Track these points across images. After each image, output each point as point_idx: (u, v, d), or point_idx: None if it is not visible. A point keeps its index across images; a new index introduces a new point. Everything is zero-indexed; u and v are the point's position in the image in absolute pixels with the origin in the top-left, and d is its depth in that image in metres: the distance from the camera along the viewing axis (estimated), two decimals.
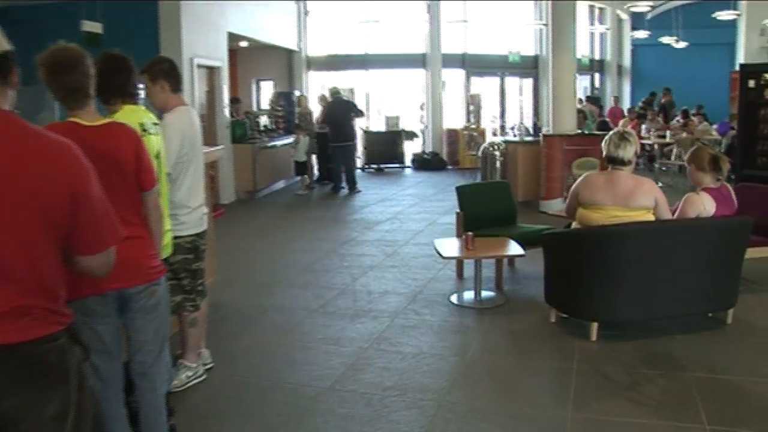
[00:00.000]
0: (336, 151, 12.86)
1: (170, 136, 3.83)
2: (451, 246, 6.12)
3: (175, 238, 3.86)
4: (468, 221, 6.55)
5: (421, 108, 17.02)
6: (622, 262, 4.66)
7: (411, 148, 16.68)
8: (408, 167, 16.45)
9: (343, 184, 12.88)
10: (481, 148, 10.99)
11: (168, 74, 4.12)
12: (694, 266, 4.78)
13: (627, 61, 21.81)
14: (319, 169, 14.14)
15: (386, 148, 16.10)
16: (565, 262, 5.03)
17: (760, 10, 18.95)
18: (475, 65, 17.29)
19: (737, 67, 20.36)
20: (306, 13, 16.47)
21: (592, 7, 19.83)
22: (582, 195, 4.93)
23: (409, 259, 7.56)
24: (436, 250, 5.98)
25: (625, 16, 21.29)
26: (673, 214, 5.00)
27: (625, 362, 4.54)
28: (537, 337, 5.12)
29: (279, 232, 9.53)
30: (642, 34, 19.59)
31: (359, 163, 15.29)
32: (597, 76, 21.20)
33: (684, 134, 13.22)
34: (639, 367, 4.46)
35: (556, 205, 10.16)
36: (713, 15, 17.10)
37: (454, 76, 17.22)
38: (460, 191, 6.85)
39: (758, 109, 8.99)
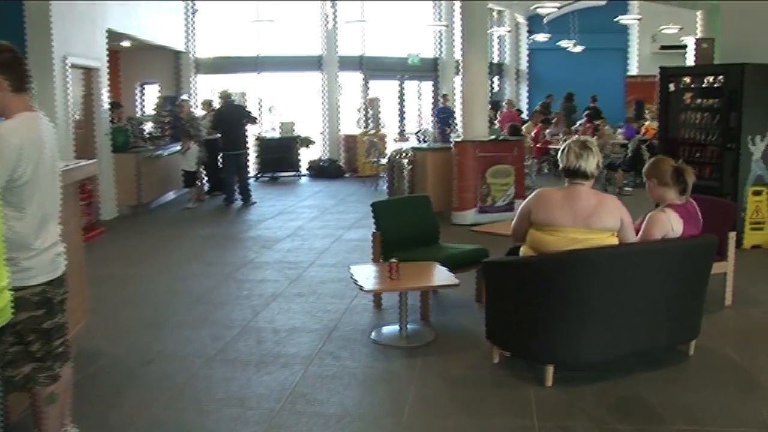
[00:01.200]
0: (227, 160, 11.76)
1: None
2: (370, 275, 5.23)
3: (17, 290, 2.80)
4: (387, 243, 5.71)
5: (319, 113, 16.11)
6: (585, 294, 3.93)
7: (307, 156, 15.72)
8: (304, 175, 15.47)
9: (236, 196, 11.79)
10: (388, 156, 10.22)
11: (7, 68, 3.04)
12: (663, 294, 4.12)
13: (524, 64, 21.70)
14: (210, 180, 12.95)
15: (281, 155, 15.06)
16: (514, 295, 4.27)
17: (653, 17, 19.25)
18: (373, 68, 16.53)
19: (630, 72, 20.88)
20: (194, 11, 15.20)
21: (490, 10, 19.52)
22: (535, 214, 4.16)
23: (317, 285, 6.64)
24: (354, 280, 5.09)
25: (522, 20, 21.18)
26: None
27: (593, 414, 3.80)
28: (481, 384, 4.31)
29: (165, 254, 8.35)
30: (542, 37, 19.47)
31: (252, 171, 14.20)
32: (496, 80, 20.94)
33: (594, 138, 12.91)
34: (609, 419, 3.74)
35: (469, 217, 9.54)
36: (615, 19, 17.02)
37: (352, 79, 16.40)
38: (377, 208, 5.98)
39: (678, 114, 8.65)
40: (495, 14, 19.72)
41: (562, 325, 3.99)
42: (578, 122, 16.88)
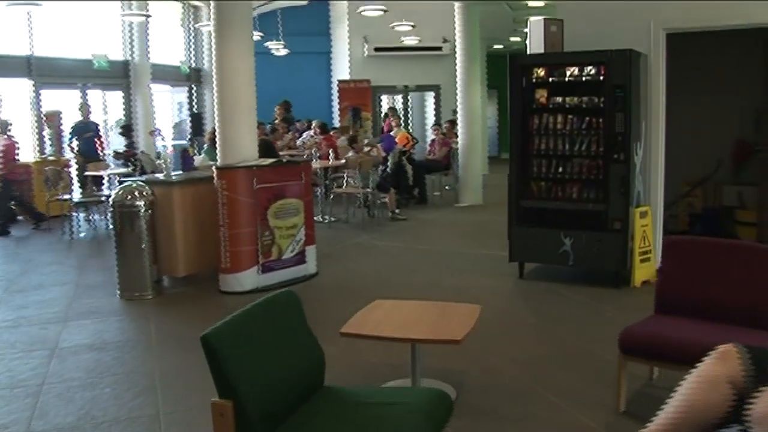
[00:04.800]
0: None
1: None
2: None
3: None
4: (250, 414, 2.60)
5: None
6: None
7: None
8: None
9: None
10: (113, 198, 6.70)
11: None
12: None
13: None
14: None
15: None
16: None
17: (363, 20, 17.67)
18: (46, 73, 12.28)
19: (342, 76, 19.10)
20: None
21: (186, 6, 16.23)
22: None
23: None
24: None
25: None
26: None
27: None
28: None
29: None
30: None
31: None
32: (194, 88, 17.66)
33: (350, 153, 10.58)
34: None
35: (247, 280, 6.58)
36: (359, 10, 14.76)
37: (16, 88, 12.01)
38: (215, 348, 2.69)
39: (527, 117, 6.62)
40: (190, 10, 16.44)
41: None
42: (306, 133, 14.54)
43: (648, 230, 6.64)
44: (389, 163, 11.27)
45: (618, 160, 6.31)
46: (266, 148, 8.30)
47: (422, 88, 19.27)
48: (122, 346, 5.28)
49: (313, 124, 13.96)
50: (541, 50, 6.80)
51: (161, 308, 6.29)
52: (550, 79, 6.67)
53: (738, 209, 8.47)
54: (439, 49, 18.18)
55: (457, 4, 11.69)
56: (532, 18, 6.99)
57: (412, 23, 14.12)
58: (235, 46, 6.88)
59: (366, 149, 10.84)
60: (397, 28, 14.40)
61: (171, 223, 6.75)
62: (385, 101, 19.91)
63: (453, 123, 13.80)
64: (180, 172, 7.49)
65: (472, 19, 11.75)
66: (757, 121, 8.56)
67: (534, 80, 6.72)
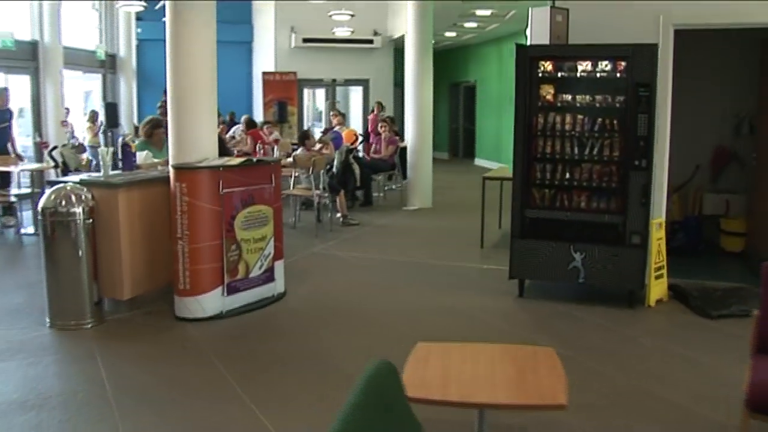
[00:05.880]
0: None
1: None
2: None
3: None
4: None
5: None
6: None
7: None
8: None
9: None
10: (42, 204, 5.41)
11: None
12: None
13: (133, 57, 17.04)
14: None
15: None
16: None
17: (290, 10, 16.59)
18: None
19: (267, 68, 17.79)
20: None
21: None
22: None
23: None
24: None
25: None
26: None
27: None
28: None
29: None
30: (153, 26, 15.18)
31: None
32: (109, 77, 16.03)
33: (300, 151, 9.54)
34: None
35: (210, 303, 5.52)
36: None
37: None
38: None
39: (531, 116, 5.82)
40: None
41: None
42: (234, 128, 13.40)
43: (662, 244, 6.02)
44: (335, 163, 10.28)
45: (639, 167, 5.63)
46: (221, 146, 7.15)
47: (350, 83, 18.32)
48: (67, 402, 4.04)
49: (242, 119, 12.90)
50: (546, 41, 6.04)
51: (108, 343, 5.08)
52: (559, 74, 5.92)
53: (722, 217, 8.04)
54: (371, 42, 17.32)
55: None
56: (536, 6, 6.21)
57: (351, 12, 13.14)
58: (193, 15, 5.73)
59: (317, 147, 9.79)
60: (335, 17, 13.38)
61: (114, 234, 5.54)
62: (307, 95, 18.87)
63: (392, 120, 12.96)
64: (119, 171, 6.27)
65: (425, 9, 10.91)
66: (736, 127, 8.20)
67: (540, 75, 5.94)
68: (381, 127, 11.81)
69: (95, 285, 5.46)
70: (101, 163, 6.09)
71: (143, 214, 5.73)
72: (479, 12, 12.88)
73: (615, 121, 5.78)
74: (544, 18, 6.06)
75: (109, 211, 5.54)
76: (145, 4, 11.60)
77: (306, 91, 18.64)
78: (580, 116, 5.89)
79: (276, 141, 11.97)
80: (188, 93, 5.75)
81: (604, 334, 5.29)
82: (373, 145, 12.01)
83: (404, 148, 11.80)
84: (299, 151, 9.51)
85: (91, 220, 5.42)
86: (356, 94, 18.83)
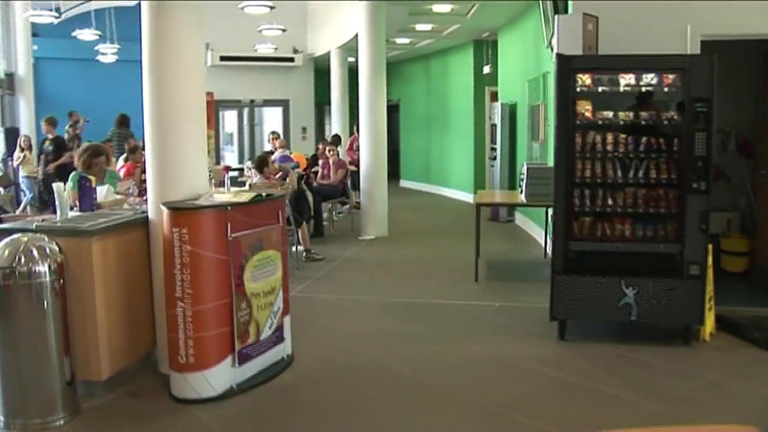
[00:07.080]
0: None
1: None
2: None
3: None
4: None
5: None
6: None
7: None
8: None
9: None
10: (3, 261, 4.16)
11: None
12: None
13: (31, 76, 15.22)
14: None
15: None
16: None
17: (207, 25, 15.32)
18: None
19: None
20: None
21: None
22: None
23: None
24: None
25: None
26: None
27: None
28: None
29: None
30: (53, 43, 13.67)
31: None
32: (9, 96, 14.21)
33: (257, 179, 8.47)
34: None
35: (218, 379, 4.45)
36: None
37: None
38: None
39: (568, 134, 5.10)
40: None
41: None
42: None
43: (711, 271, 5.47)
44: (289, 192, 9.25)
45: (698, 190, 5.07)
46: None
47: (270, 103, 17.24)
48: None
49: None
50: (578, 51, 5.41)
51: None
52: (599, 89, 5.28)
53: (722, 237, 7.67)
54: (291, 60, 16.37)
55: (362, 3, 10.00)
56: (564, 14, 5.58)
57: (282, 27, 12.15)
58: (180, 18, 4.71)
59: (277, 175, 8.72)
60: (265, 32, 12.35)
61: (89, 297, 4.37)
62: (226, 117, 17.64)
63: (335, 141, 12.06)
64: (77, 213, 5.09)
65: (378, 21, 10.07)
66: (722, 142, 7.90)
67: (578, 89, 5.28)
68: (328, 150, 10.88)
69: (67, 364, 4.26)
70: (57, 202, 4.88)
71: (120, 268, 4.60)
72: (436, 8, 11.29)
73: (660, 140, 5.21)
74: (573, 26, 5.43)
75: (81, 267, 4.37)
76: (57, 15, 10.16)
77: (226, 113, 17.41)
78: (622, 135, 5.28)
79: None
80: (174, 116, 4.72)
81: (683, 381, 4.63)
82: (320, 171, 11.06)
83: (355, 173, 10.92)
84: (257, 179, 8.44)
85: (61, 281, 4.23)
86: (272, 115, 17.71)
